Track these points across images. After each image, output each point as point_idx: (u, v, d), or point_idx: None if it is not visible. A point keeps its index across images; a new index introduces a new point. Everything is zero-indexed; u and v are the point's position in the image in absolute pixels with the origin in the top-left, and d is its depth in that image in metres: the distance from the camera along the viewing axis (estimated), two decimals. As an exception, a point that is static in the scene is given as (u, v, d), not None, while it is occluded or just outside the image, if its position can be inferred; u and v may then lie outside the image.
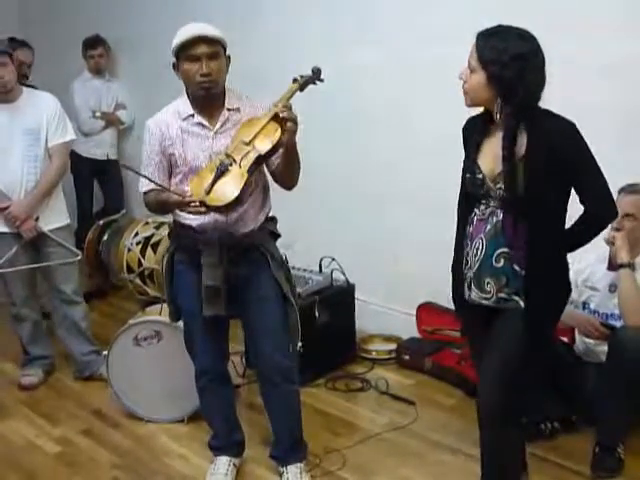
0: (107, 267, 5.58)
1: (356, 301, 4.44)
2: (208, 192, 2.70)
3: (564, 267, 2.63)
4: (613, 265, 3.27)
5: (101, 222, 5.70)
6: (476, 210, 2.62)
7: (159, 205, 2.97)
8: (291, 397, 3.15)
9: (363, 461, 3.39)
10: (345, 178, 4.74)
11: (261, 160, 2.81)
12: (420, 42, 4.14)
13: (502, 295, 2.57)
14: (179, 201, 2.77)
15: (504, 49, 2.39)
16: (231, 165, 2.73)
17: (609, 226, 2.86)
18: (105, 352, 3.76)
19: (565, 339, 3.58)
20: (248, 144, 2.76)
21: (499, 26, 2.45)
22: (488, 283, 2.58)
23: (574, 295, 3.42)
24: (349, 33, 4.55)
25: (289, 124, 2.72)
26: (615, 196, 2.78)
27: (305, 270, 4.39)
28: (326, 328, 4.15)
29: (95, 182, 6.36)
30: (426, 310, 4.43)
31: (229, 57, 2.91)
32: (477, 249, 2.60)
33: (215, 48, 2.81)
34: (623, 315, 3.19)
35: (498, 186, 2.51)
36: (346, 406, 3.94)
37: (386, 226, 4.56)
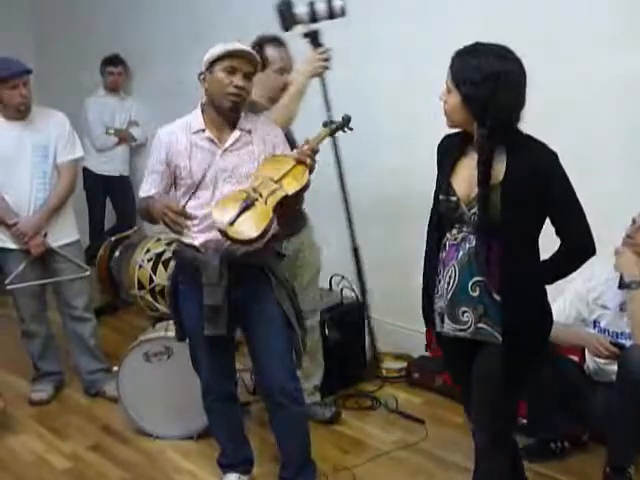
0: (118, 283, 5.60)
1: (366, 319, 4.43)
2: (231, 223, 2.70)
3: (543, 298, 2.51)
4: (622, 284, 3.25)
5: (113, 238, 5.72)
6: (448, 234, 2.50)
7: (147, 211, 2.96)
8: (298, 419, 3.14)
9: (373, 479, 3.38)
10: (355, 195, 4.74)
11: (286, 200, 2.81)
12: (433, 58, 4.15)
13: (481, 325, 2.45)
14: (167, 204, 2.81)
15: (476, 68, 2.29)
16: (257, 200, 2.73)
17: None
18: (115, 368, 3.77)
19: (575, 358, 3.56)
20: (276, 182, 2.77)
21: (475, 44, 2.36)
22: (465, 313, 2.46)
23: (584, 313, 3.42)
24: (362, 49, 4.57)
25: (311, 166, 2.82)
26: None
27: (315, 288, 4.38)
28: (336, 346, 4.14)
29: (107, 199, 6.40)
30: (436, 328, 4.42)
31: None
32: (450, 277, 2.48)
33: (252, 69, 2.87)
34: (633, 334, 3.17)
35: (472, 211, 2.40)
36: (356, 424, 3.93)
37: (397, 244, 4.56)
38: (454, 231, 2.49)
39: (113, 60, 6.18)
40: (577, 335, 3.42)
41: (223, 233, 2.71)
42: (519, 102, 2.34)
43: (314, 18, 3.23)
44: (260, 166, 2.87)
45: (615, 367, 3.19)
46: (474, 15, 3.93)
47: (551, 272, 2.51)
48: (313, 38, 3.27)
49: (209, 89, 2.90)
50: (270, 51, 3.46)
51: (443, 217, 2.52)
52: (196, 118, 2.96)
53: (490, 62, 2.28)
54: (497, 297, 2.41)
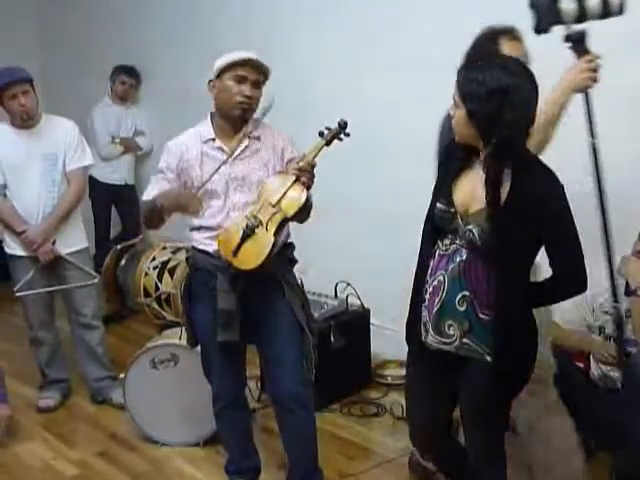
0: (124, 291, 5.63)
1: (371, 326, 4.45)
2: (235, 254, 2.76)
3: (531, 318, 2.45)
4: (628, 291, 3.26)
5: (119, 247, 5.76)
6: (439, 243, 2.44)
7: (151, 210, 2.96)
8: (307, 426, 3.14)
9: (378, 486, 3.39)
10: (361, 204, 4.77)
11: (287, 222, 2.85)
12: (437, 73, 4.17)
13: (466, 341, 2.39)
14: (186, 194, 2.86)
15: (482, 82, 2.19)
16: (258, 227, 2.76)
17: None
18: (122, 375, 3.78)
19: (581, 365, 3.57)
20: (274, 206, 2.79)
21: (484, 57, 2.33)
22: (450, 326, 2.40)
23: (590, 319, 3.43)
24: (366, 64, 4.59)
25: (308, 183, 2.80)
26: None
27: (320, 295, 4.40)
28: (341, 353, 4.15)
29: (113, 207, 6.43)
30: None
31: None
32: (436, 287, 2.42)
33: (261, 77, 2.91)
34: (637, 342, 3.18)
35: (469, 227, 2.32)
36: (361, 431, 3.94)
37: (402, 251, 4.52)
38: (446, 241, 2.43)
39: (129, 71, 6.20)
40: (583, 340, 3.43)
41: (229, 264, 2.79)
42: (527, 119, 2.26)
43: (582, 16, 2.55)
44: (262, 186, 2.87)
45: (620, 374, 3.19)
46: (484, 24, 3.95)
47: (537, 297, 2.46)
48: (579, 42, 2.61)
49: (218, 97, 2.92)
50: (504, 45, 2.90)
51: (437, 226, 2.46)
52: (206, 127, 2.99)
53: (497, 76, 2.19)
54: (482, 316, 2.37)
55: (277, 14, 5.14)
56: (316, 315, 4.07)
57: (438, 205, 2.44)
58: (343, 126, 2.91)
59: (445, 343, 2.43)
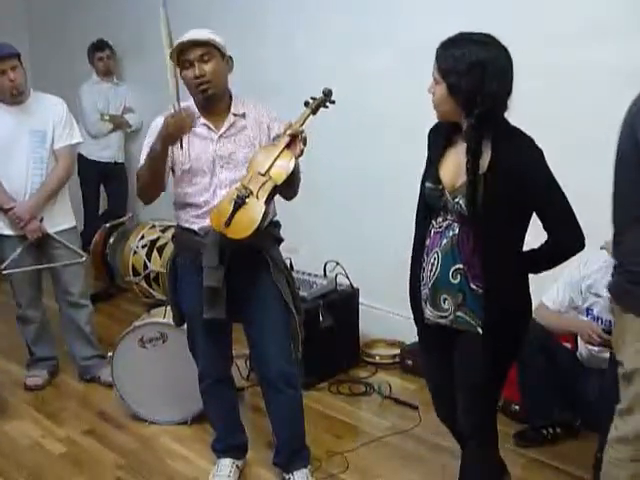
0: (113, 270, 5.61)
1: (360, 305, 4.46)
2: (227, 224, 2.75)
3: (524, 289, 2.51)
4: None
5: (107, 225, 5.73)
6: (433, 222, 2.51)
7: (153, 163, 2.87)
8: (294, 403, 3.16)
9: (366, 464, 3.41)
10: (351, 182, 4.76)
11: (277, 190, 2.84)
12: (432, 47, 4.16)
13: (460, 314, 2.46)
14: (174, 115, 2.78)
15: (461, 57, 2.28)
16: (248, 197, 2.76)
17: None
18: (110, 354, 3.78)
19: (568, 345, 3.59)
20: (264, 175, 2.79)
21: (460, 34, 2.35)
22: (445, 300, 2.47)
23: (578, 301, 3.44)
24: (360, 38, 4.57)
25: (298, 151, 2.78)
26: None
27: (310, 274, 4.40)
28: (330, 332, 4.16)
29: (102, 185, 6.40)
30: (430, 315, 4.44)
31: (230, 59, 2.94)
32: (432, 264, 2.49)
33: (206, 49, 2.83)
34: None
35: (456, 200, 2.39)
36: (349, 410, 3.95)
37: (391, 231, 4.56)
38: (439, 219, 2.49)
39: (99, 45, 6.17)
40: (570, 322, 3.45)
41: (222, 235, 2.78)
42: (506, 90, 2.33)
43: None
44: (251, 158, 2.87)
45: (607, 354, 3.21)
46: (465, 6, 3.94)
47: (535, 263, 2.50)
48: None
49: (186, 87, 2.91)
50: None
51: (428, 205, 2.52)
52: (193, 105, 2.96)
53: (474, 51, 2.28)
54: (475, 287, 2.42)
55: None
56: (305, 294, 4.08)
57: (427, 184, 2.50)
58: (328, 94, 2.93)
59: (441, 317, 2.51)
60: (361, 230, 4.74)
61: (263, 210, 2.75)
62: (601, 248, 3.20)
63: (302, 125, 2.83)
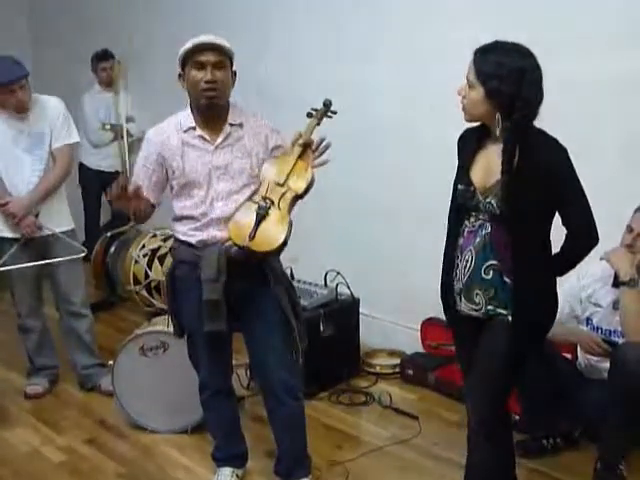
0: (114, 279, 5.62)
1: (361, 315, 4.46)
2: (252, 237, 2.74)
3: (551, 284, 2.65)
4: (617, 282, 3.27)
5: (108, 234, 5.74)
6: (466, 222, 2.64)
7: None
8: (297, 414, 3.15)
9: (366, 474, 3.40)
10: (352, 193, 4.76)
11: (297, 199, 2.85)
12: (427, 58, 4.18)
13: (490, 307, 2.60)
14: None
15: (502, 63, 2.40)
16: (270, 208, 2.76)
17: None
18: (111, 362, 3.78)
19: (568, 356, 3.59)
20: (282, 185, 2.80)
21: (496, 42, 2.46)
22: (477, 294, 2.61)
23: (578, 311, 3.45)
24: (357, 49, 4.59)
25: (321, 160, 2.83)
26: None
27: (310, 284, 4.40)
28: (330, 342, 4.16)
29: (103, 194, 6.41)
30: (431, 325, 4.44)
31: (235, 73, 2.93)
32: (467, 261, 2.62)
33: (222, 57, 2.82)
34: (624, 333, 3.20)
35: (488, 200, 2.52)
36: (350, 420, 3.95)
37: (392, 241, 4.58)
38: (472, 219, 2.61)
39: (104, 55, 6.17)
40: (570, 332, 3.45)
41: (246, 249, 2.75)
42: (540, 97, 2.45)
43: None
44: (263, 170, 2.87)
45: (607, 364, 3.21)
46: (474, 15, 3.95)
47: (560, 263, 2.65)
48: None
49: (187, 89, 2.88)
50: None
51: (461, 206, 2.64)
52: (186, 116, 2.94)
53: (513, 58, 2.41)
54: (508, 280, 2.55)
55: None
56: (306, 304, 4.08)
57: (459, 187, 2.64)
58: (328, 104, 2.97)
59: (474, 310, 2.65)
60: (362, 240, 4.75)
61: (287, 221, 2.76)
62: (601, 259, 3.22)
63: (312, 134, 2.87)
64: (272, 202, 2.77)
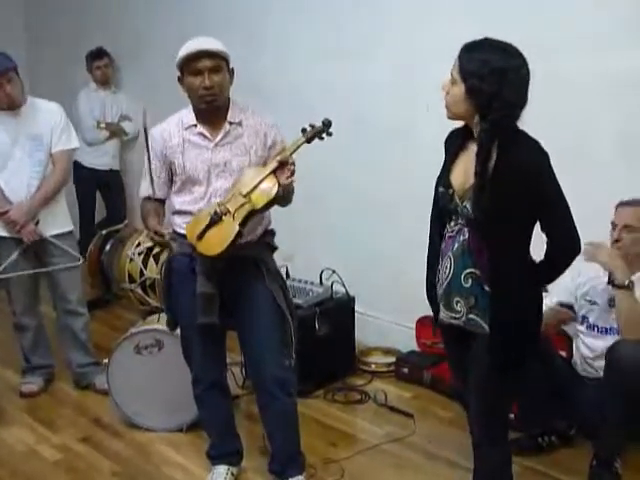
0: (109, 277, 5.61)
1: (356, 313, 4.46)
2: (199, 238, 2.78)
3: (532, 295, 2.54)
4: (611, 280, 3.27)
5: (103, 232, 5.73)
6: (447, 226, 2.56)
7: (143, 217, 3.12)
8: (289, 410, 3.15)
9: (361, 472, 3.40)
10: (347, 191, 4.77)
11: (254, 214, 2.85)
12: (426, 57, 4.18)
13: (472, 316, 2.51)
14: (153, 227, 2.99)
15: (486, 62, 2.32)
16: (225, 215, 2.78)
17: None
18: (105, 360, 3.78)
19: (563, 353, 3.59)
20: (245, 196, 2.80)
21: (485, 39, 2.39)
22: (457, 302, 2.53)
23: (574, 306, 3.45)
24: (357, 49, 4.58)
25: (287, 181, 2.80)
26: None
27: (306, 282, 4.40)
28: (326, 340, 4.16)
29: (97, 193, 6.40)
30: (425, 324, 4.44)
31: (233, 70, 2.94)
32: (446, 267, 2.54)
33: (217, 62, 2.84)
34: (620, 331, 3.20)
35: (464, 203, 2.44)
36: (345, 418, 3.95)
37: (387, 239, 4.59)
38: (452, 223, 2.54)
39: (98, 54, 6.18)
40: (558, 312, 3.48)
41: (193, 247, 2.82)
42: (522, 100, 2.37)
43: None
44: (239, 177, 2.88)
45: (602, 362, 3.22)
46: (473, 14, 3.95)
47: (542, 274, 2.54)
48: None
49: (187, 93, 2.92)
50: None
51: (443, 210, 2.57)
52: (188, 114, 2.98)
53: (498, 58, 2.32)
54: (487, 289, 2.46)
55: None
56: (301, 302, 4.09)
57: (440, 189, 2.56)
58: (327, 125, 2.91)
59: (454, 318, 2.57)
60: (357, 238, 4.75)
61: (236, 231, 2.77)
62: (585, 260, 3.21)
63: (293, 153, 2.83)
64: (228, 210, 2.78)
